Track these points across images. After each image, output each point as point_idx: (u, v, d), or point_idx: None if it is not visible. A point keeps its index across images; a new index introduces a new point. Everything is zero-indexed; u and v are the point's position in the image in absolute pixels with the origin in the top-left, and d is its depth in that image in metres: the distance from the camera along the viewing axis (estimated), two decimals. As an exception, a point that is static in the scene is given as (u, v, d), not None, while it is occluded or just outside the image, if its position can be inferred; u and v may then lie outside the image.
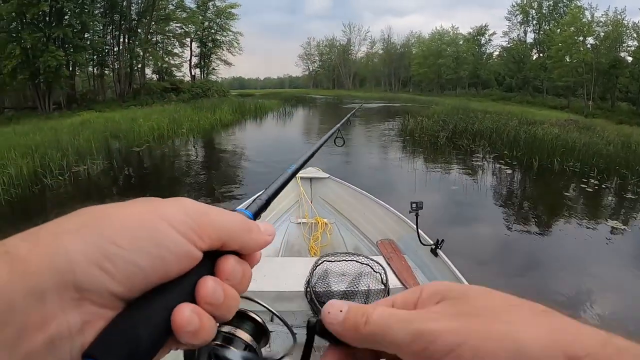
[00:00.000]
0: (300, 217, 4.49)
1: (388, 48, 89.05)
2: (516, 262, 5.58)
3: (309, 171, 4.95)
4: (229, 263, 0.34)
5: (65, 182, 9.72)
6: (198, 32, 48.30)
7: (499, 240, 6.35)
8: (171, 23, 42.47)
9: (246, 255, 0.37)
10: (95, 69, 39.76)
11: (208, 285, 0.32)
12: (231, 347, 0.39)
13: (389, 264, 2.97)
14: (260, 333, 0.41)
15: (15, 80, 30.55)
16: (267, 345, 0.42)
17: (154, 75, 45.32)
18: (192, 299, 0.31)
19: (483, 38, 67.45)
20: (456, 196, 8.74)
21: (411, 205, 2.97)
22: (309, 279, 2.58)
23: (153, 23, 40.03)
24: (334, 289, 2.53)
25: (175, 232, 0.30)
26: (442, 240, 2.98)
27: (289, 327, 0.42)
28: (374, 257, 2.75)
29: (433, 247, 3.00)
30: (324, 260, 2.65)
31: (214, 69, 53.07)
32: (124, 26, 38.73)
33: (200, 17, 46.52)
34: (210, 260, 0.34)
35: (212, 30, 50.29)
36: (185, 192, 8.87)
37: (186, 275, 0.31)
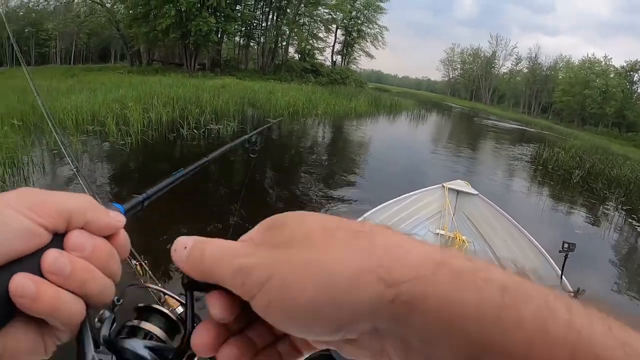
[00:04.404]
0: (440, 228, 4.48)
1: (533, 68, 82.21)
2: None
3: (457, 184, 4.85)
4: (73, 234, 0.33)
5: (200, 136, 9.95)
6: (345, 21, 48.61)
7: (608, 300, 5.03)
8: (320, 8, 42.96)
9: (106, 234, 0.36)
10: (241, 40, 42.15)
11: (49, 255, 0.31)
12: (133, 338, 0.39)
13: None
14: (173, 325, 0.42)
15: (167, 38, 33.10)
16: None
17: (295, 55, 46.60)
18: (38, 274, 0.31)
19: (636, 75, 60.33)
20: (578, 242, 7.11)
21: (563, 244, 2.75)
22: None
23: (302, 5, 40.78)
24: None
25: (15, 211, 0.30)
26: (583, 290, 2.64)
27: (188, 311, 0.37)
28: None
29: (572, 294, 2.37)
30: None
31: (355, 58, 53.83)
32: (274, 4, 40.16)
33: (349, 6, 46.56)
34: (61, 241, 0.33)
35: (359, 21, 50.43)
36: (304, 171, 8.94)
37: (33, 253, 0.31)
